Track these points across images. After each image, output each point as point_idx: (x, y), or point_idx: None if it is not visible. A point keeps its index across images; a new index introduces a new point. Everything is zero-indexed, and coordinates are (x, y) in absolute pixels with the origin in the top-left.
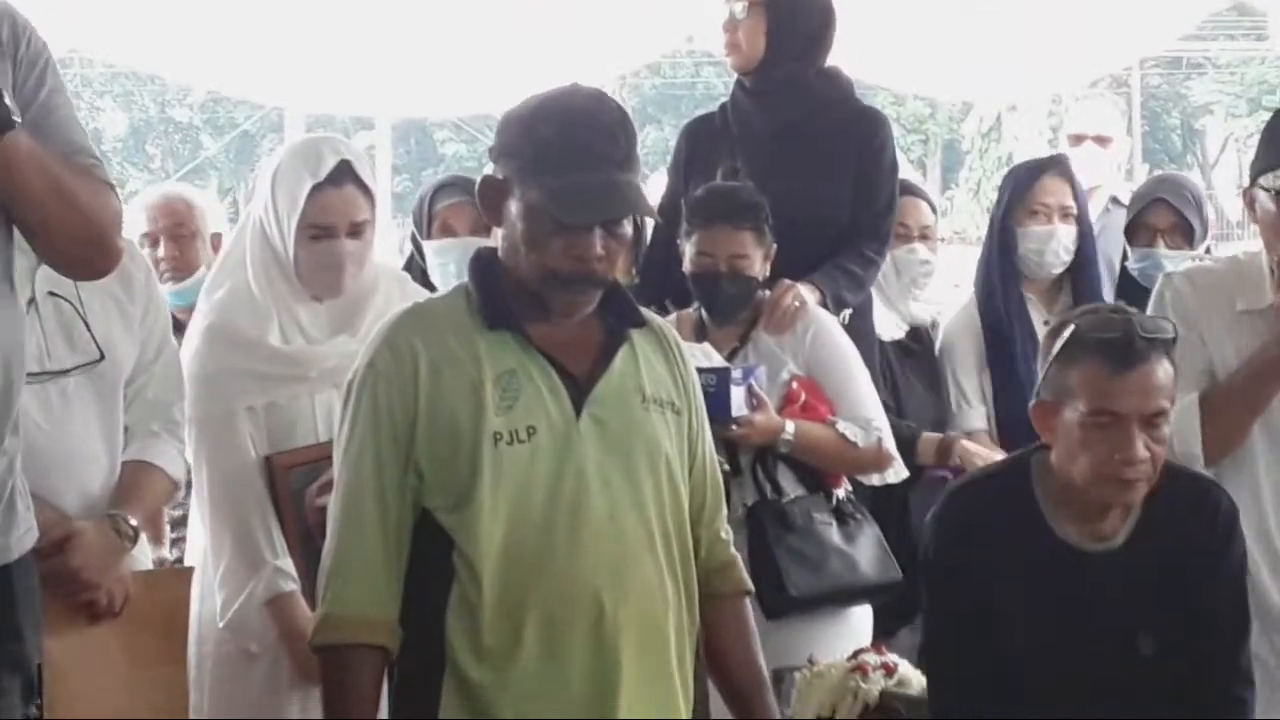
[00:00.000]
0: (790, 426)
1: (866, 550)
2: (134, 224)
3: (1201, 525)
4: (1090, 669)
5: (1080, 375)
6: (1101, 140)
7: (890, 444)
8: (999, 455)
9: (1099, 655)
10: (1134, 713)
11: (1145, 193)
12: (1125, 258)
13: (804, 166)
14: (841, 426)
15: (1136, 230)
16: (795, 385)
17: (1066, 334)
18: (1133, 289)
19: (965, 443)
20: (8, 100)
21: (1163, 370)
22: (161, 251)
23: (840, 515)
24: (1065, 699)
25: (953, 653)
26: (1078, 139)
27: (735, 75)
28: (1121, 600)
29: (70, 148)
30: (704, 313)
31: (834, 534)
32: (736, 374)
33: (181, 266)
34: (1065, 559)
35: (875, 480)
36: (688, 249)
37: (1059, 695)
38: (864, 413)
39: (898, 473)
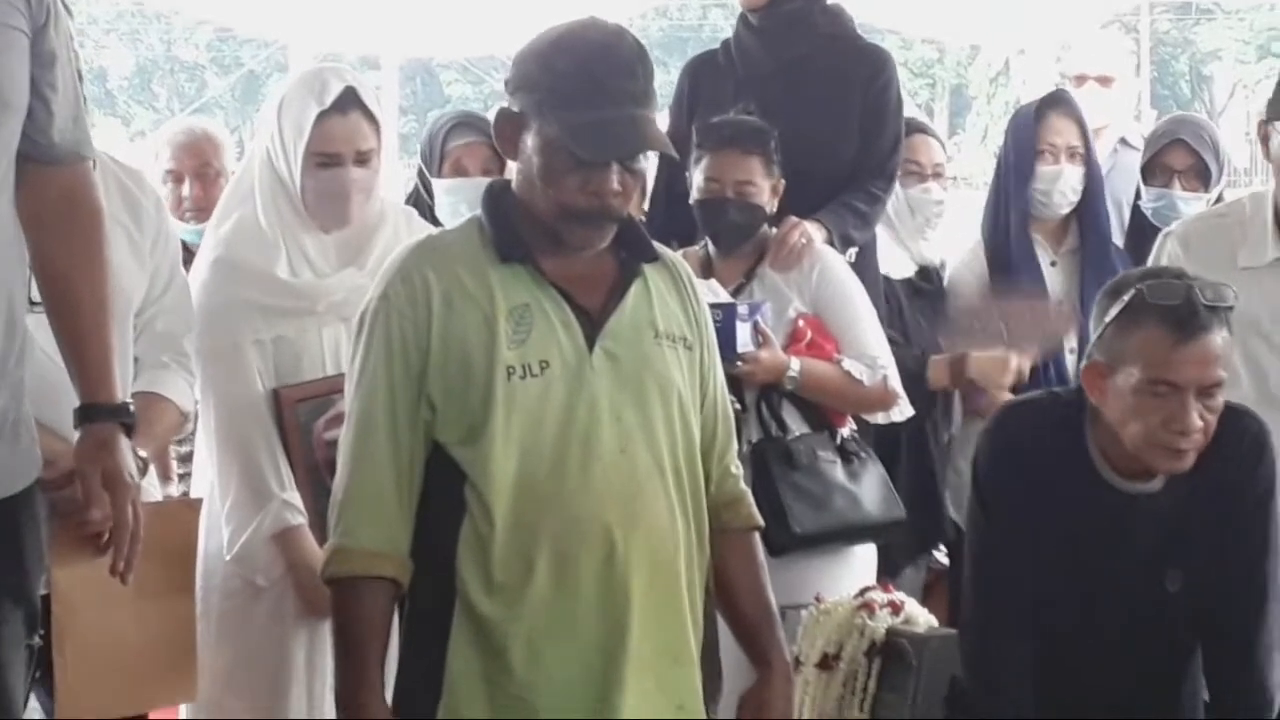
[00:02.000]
0: (796, 364)
1: (870, 488)
2: (155, 157)
3: (1232, 453)
4: (1117, 603)
5: (1139, 342)
6: (1104, 80)
7: (895, 382)
8: (1013, 364)
9: (1127, 591)
10: (1159, 648)
11: (1164, 132)
12: (1139, 196)
13: (809, 105)
14: (847, 364)
15: (1153, 170)
16: (801, 323)
17: (1127, 297)
18: (1145, 228)
19: (977, 355)
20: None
21: (1221, 338)
22: (186, 190)
23: (844, 453)
24: (1090, 632)
25: (991, 567)
26: (1079, 79)
27: (741, 14)
28: (1154, 540)
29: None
30: (710, 244)
31: (838, 472)
32: (742, 310)
33: (205, 206)
34: (1104, 496)
35: (880, 419)
36: (695, 177)
37: (1084, 628)
38: (869, 351)
39: (903, 411)
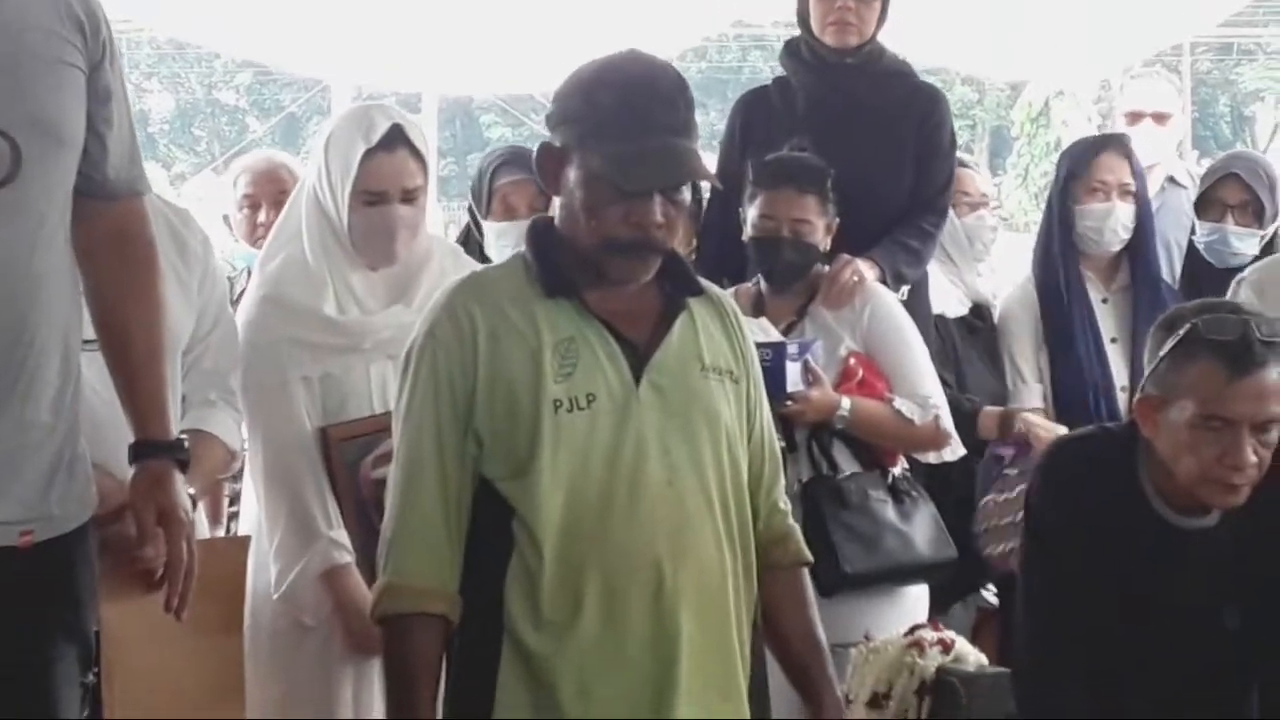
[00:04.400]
0: (846, 403)
1: (922, 528)
2: (234, 184)
3: None
4: (1174, 640)
5: (1194, 377)
6: (1160, 118)
7: (947, 422)
8: (1061, 429)
9: (1183, 628)
10: (1217, 686)
11: (1219, 167)
12: (1192, 233)
13: (864, 144)
14: (898, 404)
15: (1206, 205)
16: (853, 361)
17: (1182, 331)
18: (1199, 264)
19: (1027, 415)
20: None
21: (1277, 374)
22: (262, 216)
23: (896, 493)
24: (1148, 668)
25: (1045, 603)
26: (1135, 116)
27: (791, 52)
28: (1210, 575)
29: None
30: (762, 281)
31: (889, 511)
32: (792, 349)
33: None
34: (1158, 532)
35: (932, 458)
36: (750, 214)
37: (1139, 666)
38: (921, 390)
39: (954, 451)
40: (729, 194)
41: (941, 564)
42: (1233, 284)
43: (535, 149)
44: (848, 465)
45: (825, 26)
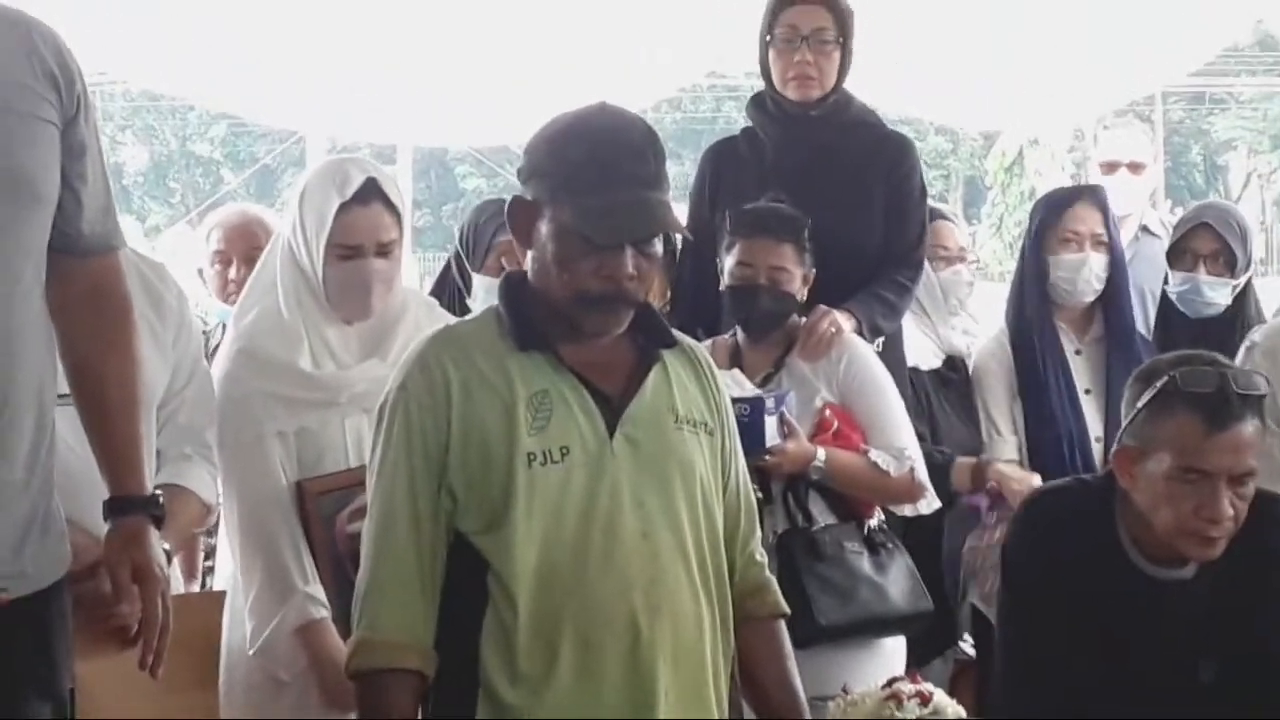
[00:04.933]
0: (822, 454)
1: (898, 580)
2: (205, 239)
3: (1265, 540)
4: (1149, 693)
5: (1171, 429)
6: (1135, 167)
7: (923, 474)
8: (1035, 480)
9: (1159, 680)
10: None
11: (1190, 217)
12: (1166, 281)
13: (834, 195)
14: (874, 455)
15: (1179, 254)
16: (828, 413)
17: (1159, 384)
18: (1173, 313)
19: (1000, 466)
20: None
21: (1253, 427)
22: (233, 273)
23: (872, 544)
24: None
25: (1023, 651)
26: (1111, 166)
27: (758, 105)
28: (1187, 628)
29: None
30: (739, 332)
31: (865, 563)
32: (769, 403)
33: None
34: (1135, 583)
35: (908, 511)
36: (727, 262)
37: (1118, 715)
38: (897, 442)
39: (929, 503)
40: (700, 245)
41: (917, 615)
42: (1242, 349)
43: (507, 202)
44: (823, 517)
45: (786, 81)
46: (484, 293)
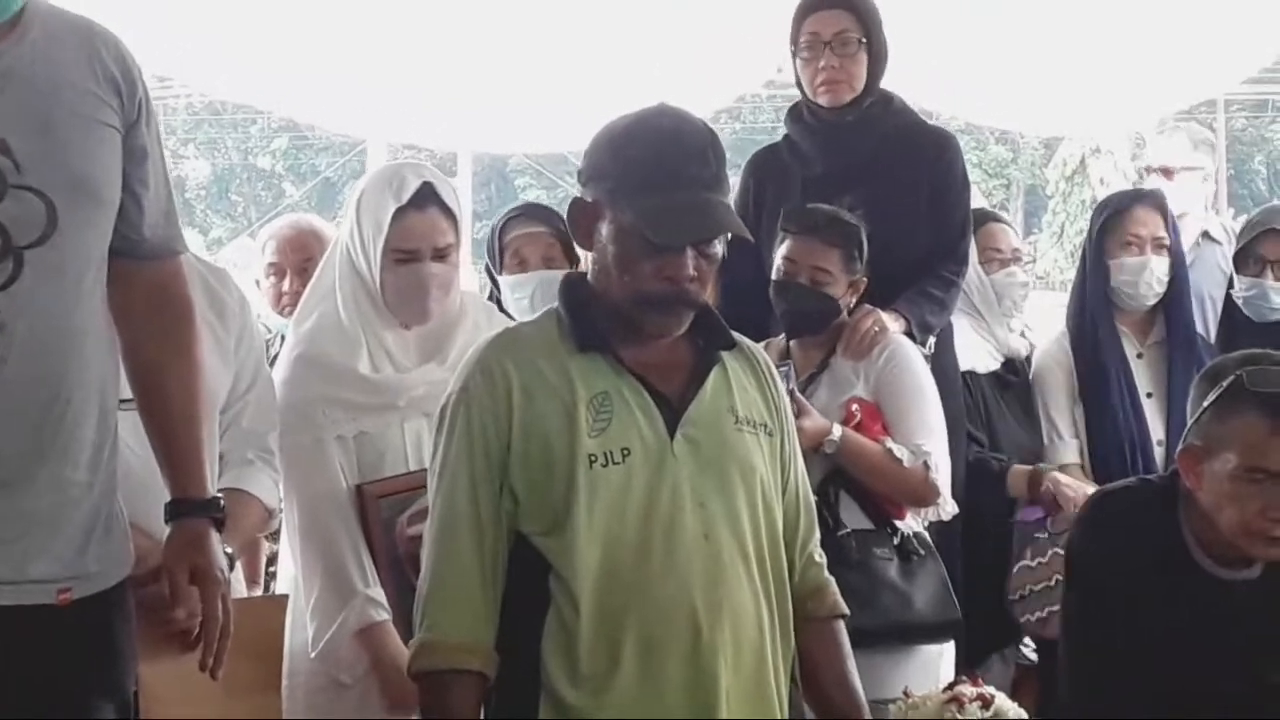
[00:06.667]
0: (837, 430)
1: (925, 587)
2: (261, 250)
3: None
4: (1214, 692)
5: (1237, 429)
6: (1191, 171)
7: (938, 477)
8: (1090, 488)
9: (1224, 680)
10: None
11: (1258, 221)
12: (1231, 285)
13: (878, 197)
14: (890, 444)
15: (1245, 259)
16: (854, 407)
17: (1226, 383)
18: (1238, 318)
19: (1056, 474)
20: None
21: None
22: (286, 285)
23: (904, 552)
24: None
25: (1085, 653)
26: (1167, 171)
27: (795, 117)
28: (1252, 628)
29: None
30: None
31: (892, 570)
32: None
33: None
34: (1199, 583)
35: (930, 515)
36: (775, 258)
37: (1183, 714)
38: (916, 439)
39: (944, 509)
40: (744, 250)
41: (943, 625)
42: None
43: (569, 203)
44: (852, 521)
45: (815, 89)
46: (510, 293)
